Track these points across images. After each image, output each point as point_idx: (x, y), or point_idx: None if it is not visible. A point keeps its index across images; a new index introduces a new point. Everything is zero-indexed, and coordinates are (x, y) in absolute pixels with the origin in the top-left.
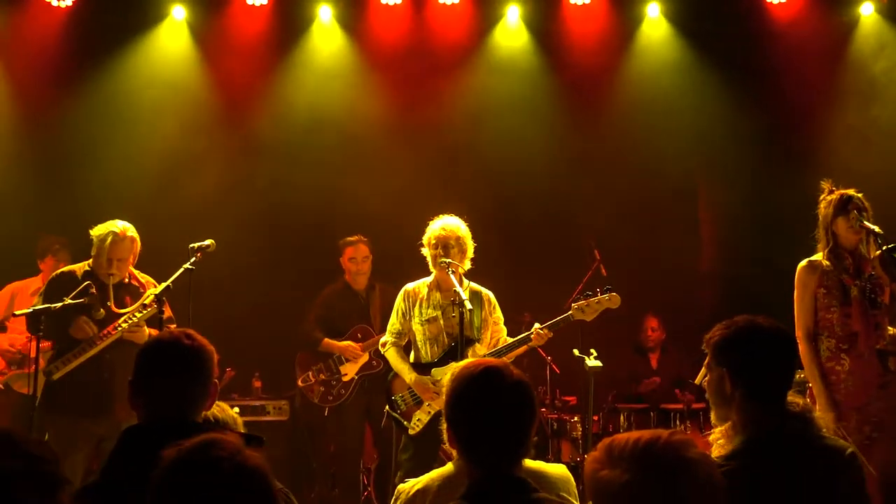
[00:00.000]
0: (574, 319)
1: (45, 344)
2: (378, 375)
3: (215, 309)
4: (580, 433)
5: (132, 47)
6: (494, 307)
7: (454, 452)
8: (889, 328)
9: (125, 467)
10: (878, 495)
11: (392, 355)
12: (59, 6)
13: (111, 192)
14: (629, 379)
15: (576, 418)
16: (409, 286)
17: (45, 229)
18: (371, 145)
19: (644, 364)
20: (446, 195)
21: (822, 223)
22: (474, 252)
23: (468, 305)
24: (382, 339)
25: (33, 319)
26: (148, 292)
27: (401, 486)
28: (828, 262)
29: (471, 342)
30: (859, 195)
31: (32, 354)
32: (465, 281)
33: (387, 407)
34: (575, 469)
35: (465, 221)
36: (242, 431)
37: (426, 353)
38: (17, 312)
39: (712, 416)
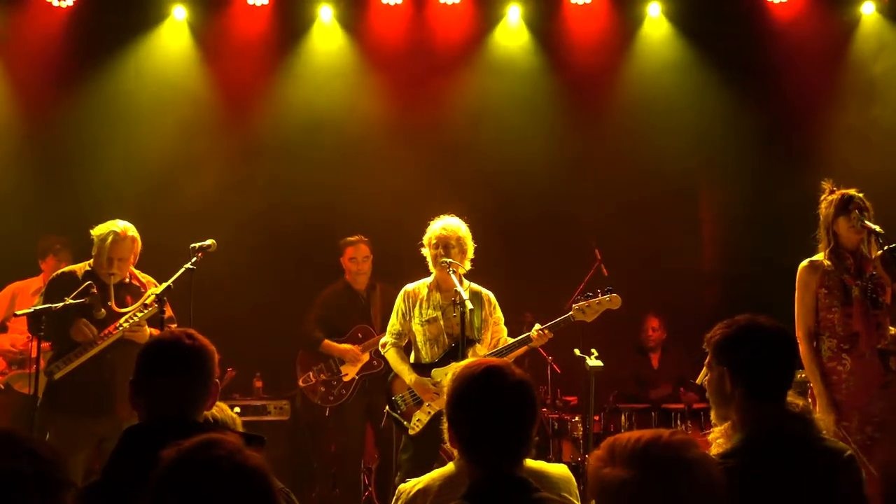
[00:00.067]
0: (575, 320)
1: (46, 344)
2: (379, 375)
3: (216, 309)
4: (581, 433)
5: (133, 47)
6: (495, 307)
7: (455, 452)
8: (890, 328)
9: (126, 467)
10: (880, 496)
11: (392, 356)
12: (59, 6)
13: (112, 191)
14: (631, 379)
15: (577, 418)
16: (409, 287)
17: (46, 229)
18: (371, 145)
19: (645, 364)
20: (447, 195)
21: (824, 223)
22: (475, 252)
23: (469, 305)
24: (382, 340)
25: (34, 319)
26: (149, 292)
27: (402, 486)
28: (829, 262)
29: (471, 342)
30: (860, 195)
31: (33, 354)
32: (466, 281)
33: (387, 407)
34: (576, 469)
35: (466, 221)
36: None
37: (426, 353)
38: (18, 312)
39: (712, 415)
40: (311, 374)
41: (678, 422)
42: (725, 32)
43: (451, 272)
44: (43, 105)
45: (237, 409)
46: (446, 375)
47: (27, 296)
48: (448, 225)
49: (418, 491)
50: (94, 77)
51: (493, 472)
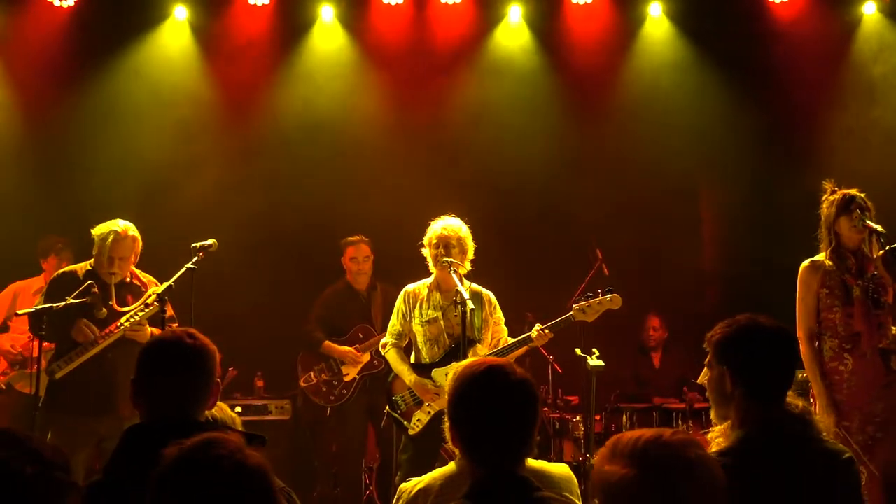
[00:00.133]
0: (575, 320)
1: (48, 344)
2: (379, 375)
3: (217, 308)
4: (582, 433)
5: (134, 47)
6: (495, 308)
7: (457, 452)
8: (892, 328)
9: (128, 466)
10: (882, 496)
11: (392, 356)
12: (60, 6)
13: (113, 191)
14: (632, 378)
15: (578, 418)
16: (409, 287)
17: (47, 229)
18: (372, 145)
19: (647, 364)
20: (447, 195)
21: (825, 223)
22: (475, 253)
23: (470, 305)
24: (383, 341)
25: (35, 319)
26: (150, 291)
27: (403, 486)
28: (830, 262)
29: (472, 343)
30: (862, 195)
31: (34, 354)
32: (466, 282)
33: (387, 407)
34: (577, 468)
35: (467, 221)
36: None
37: (426, 354)
38: (19, 312)
39: (712, 414)
40: (312, 373)
41: (679, 421)
42: (726, 32)
43: (452, 272)
44: (44, 105)
45: (238, 409)
46: (447, 376)
47: (28, 295)
48: (448, 225)
49: (419, 490)
50: (95, 77)
51: (495, 471)
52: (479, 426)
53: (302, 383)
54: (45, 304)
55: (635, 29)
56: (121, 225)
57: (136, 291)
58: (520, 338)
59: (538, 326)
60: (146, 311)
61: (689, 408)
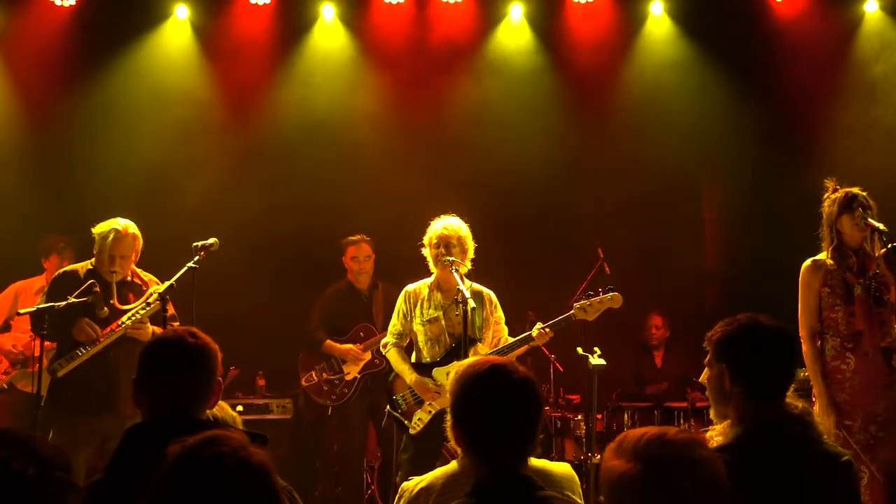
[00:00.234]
0: (576, 319)
1: (50, 344)
2: (381, 374)
3: (219, 307)
4: (584, 432)
5: (135, 46)
6: (496, 307)
7: (459, 451)
8: (895, 326)
9: (129, 465)
10: (883, 495)
11: (393, 356)
12: (62, 5)
13: (114, 191)
14: (633, 377)
15: (579, 417)
16: (410, 287)
17: (48, 229)
18: (373, 144)
19: (649, 362)
20: (449, 194)
21: (827, 221)
22: (476, 252)
23: (472, 304)
24: (384, 340)
25: (37, 318)
26: (151, 289)
27: (405, 484)
28: (832, 261)
29: (472, 342)
30: (864, 193)
31: (36, 353)
32: (467, 281)
33: (388, 406)
34: (579, 467)
35: (468, 221)
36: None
37: (427, 353)
38: (21, 311)
39: (711, 413)
40: (313, 373)
41: (681, 420)
42: (728, 31)
43: (453, 271)
44: (45, 104)
45: (240, 408)
46: (447, 375)
47: (30, 295)
48: (449, 224)
49: (421, 489)
50: (96, 76)
51: (498, 469)
52: (482, 425)
53: (303, 382)
54: (46, 303)
55: (636, 28)
56: (121, 223)
57: (138, 290)
58: (521, 336)
59: (539, 325)
60: (147, 309)
61: (691, 407)
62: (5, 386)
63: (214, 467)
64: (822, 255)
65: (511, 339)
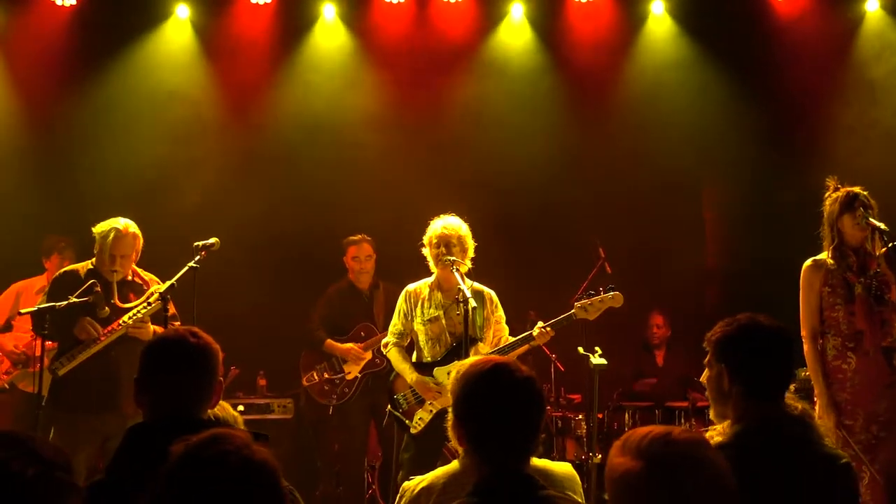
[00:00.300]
0: (577, 318)
1: (51, 343)
2: (381, 374)
3: (220, 307)
4: (585, 431)
5: (136, 46)
6: (496, 306)
7: (460, 450)
8: None
9: (130, 465)
10: (884, 497)
11: (394, 355)
12: (62, 5)
13: (115, 190)
14: (635, 377)
15: (580, 416)
16: (411, 287)
17: (49, 229)
18: (374, 143)
19: (650, 361)
20: (450, 194)
21: (828, 220)
22: (477, 251)
23: (472, 303)
24: (384, 340)
25: (38, 318)
26: (151, 289)
27: (406, 484)
28: (832, 261)
29: (473, 341)
30: (865, 192)
31: (37, 353)
32: (468, 280)
33: (389, 406)
34: (580, 467)
35: (469, 220)
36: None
37: (428, 352)
38: (22, 311)
39: (711, 412)
40: (314, 373)
41: (682, 419)
42: (728, 30)
43: (454, 270)
44: (45, 104)
45: (241, 408)
46: (448, 374)
47: (31, 295)
48: (448, 224)
49: (422, 489)
50: (97, 76)
51: (500, 468)
52: (485, 424)
53: (304, 382)
54: (47, 303)
55: (637, 27)
56: (122, 223)
57: (138, 290)
58: (522, 336)
59: (540, 324)
60: (148, 308)
61: (692, 406)
62: (7, 386)
63: (218, 466)
64: (822, 255)
65: (512, 339)
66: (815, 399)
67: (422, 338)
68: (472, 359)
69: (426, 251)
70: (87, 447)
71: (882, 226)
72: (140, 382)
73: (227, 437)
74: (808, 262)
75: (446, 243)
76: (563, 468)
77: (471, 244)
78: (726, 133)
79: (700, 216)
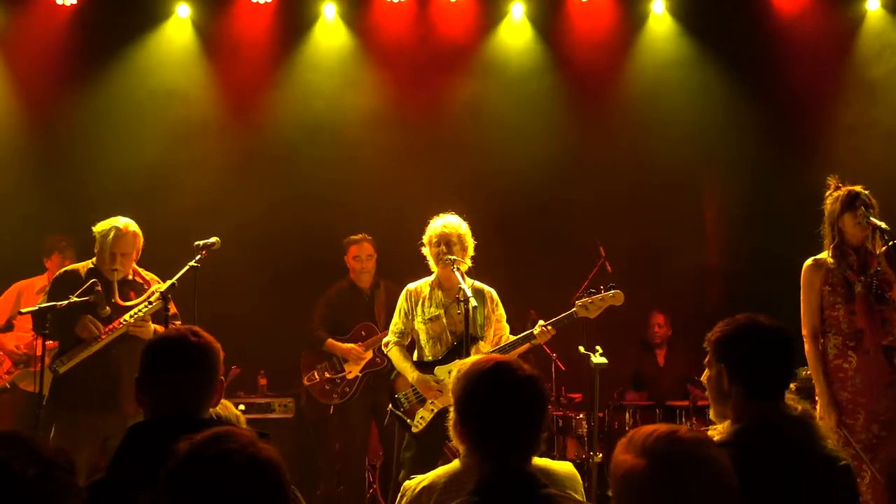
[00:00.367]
0: (578, 316)
1: (52, 343)
2: (382, 373)
3: (220, 306)
4: (585, 430)
5: (136, 45)
6: (497, 304)
7: (461, 450)
8: None
9: (131, 464)
10: (885, 496)
11: (395, 354)
12: (63, 4)
13: (116, 190)
14: (636, 376)
15: (581, 415)
16: (411, 286)
17: (50, 228)
18: (375, 142)
19: (651, 361)
20: (451, 192)
21: (829, 219)
22: (477, 249)
23: (473, 302)
24: (385, 339)
25: (39, 318)
26: (152, 288)
27: (407, 483)
28: (832, 260)
29: (474, 340)
30: (866, 192)
31: (38, 353)
32: (468, 279)
33: (390, 405)
34: (581, 466)
35: (470, 218)
36: None
37: (429, 351)
38: (23, 310)
39: (711, 412)
40: (315, 372)
41: (683, 419)
42: (729, 29)
43: (455, 269)
44: (46, 104)
45: (242, 407)
46: (450, 373)
47: (32, 294)
48: (448, 223)
49: (423, 488)
50: (97, 75)
51: (502, 467)
52: (487, 422)
53: (305, 381)
54: (48, 302)
55: (638, 26)
56: (122, 221)
57: (139, 289)
58: (522, 334)
59: (541, 323)
60: (150, 307)
61: (692, 405)
62: (8, 385)
63: (223, 464)
64: (823, 255)
65: (513, 338)
66: (817, 398)
67: (423, 337)
68: (473, 357)
69: (426, 250)
70: (87, 446)
71: (883, 225)
72: (141, 382)
73: (231, 435)
74: (809, 261)
75: (446, 242)
76: (564, 467)
77: (471, 242)
78: (727, 132)
79: (701, 215)
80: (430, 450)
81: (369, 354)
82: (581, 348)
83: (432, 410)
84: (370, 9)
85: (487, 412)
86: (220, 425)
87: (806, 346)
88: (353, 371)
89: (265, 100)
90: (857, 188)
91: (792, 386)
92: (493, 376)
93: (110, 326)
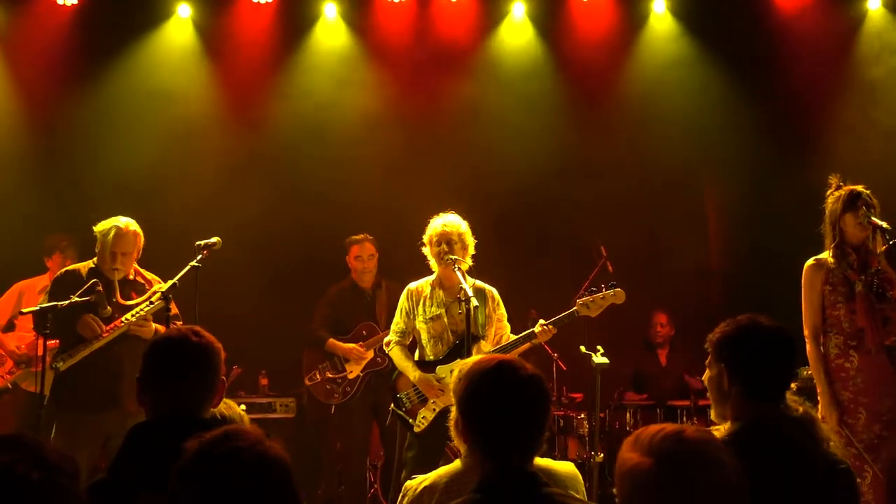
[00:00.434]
0: (579, 315)
1: (53, 343)
2: (384, 373)
3: (222, 306)
4: (587, 430)
5: (137, 45)
6: (498, 304)
7: (462, 450)
8: None
9: (132, 465)
10: (887, 494)
11: (396, 354)
12: (64, 4)
13: (116, 190)
14: (637, 376)
15: (582, 415)
16: (412, 285)
17: (50, 228)
18: (375, 142)
19: (653, 360)
20: (452, 192)
21: (830, 218)
22: (478, 249)
23: (474, 302)
24: (386, 339)
25: (40, 317)
26: (154, 287)
27: (408, 483)
28: (833, 259)
29: (475, 339)
30: (867, 191)
31: (40, 353)
32: (469, 278)
33: (392, 405)
34: (582, 466)
35: (471, 217)
36: None
37: (430, 351)
38: (24, 310)
39: (712, 413)
40: (316, 372)
41: (684, 419)
42: (730, 28)
43: (456, 269)
44: (47, 104)
45: (243, 407)
46: (451, 373)
47: (34, 294)
48: (449, 222)
49: (425, 488)
50: (98, 75)
51: (504, 466)
52: (489, 421)
53: (306, 381)
54: (49, 302)
55: (639, 25)
56: (122, 221)
57: (140, 289)
58: (523, 333)
59: (542, 322)
60: (151, 307)
61: (693, 405)
62: (10, 386)
63: (232, 462)
64: (823, 254)
65: (514, 337)
66: (818, 398)
67: (424, 336)
68: (475, 357)
69: (426, 250)
70: (88, 446)
71: (884, 224)
72: (142, 382)
73: (239, 433)
74: (810, 261)
75: (447, 241)
76: (565, 467)
77: (471, 241)
78: (727, 131)
79: (702, 214)
80: (431, 449)
81: (370, 354)
82: (582, 348)
83: (434, 410)
84: (371, 9)
85: (490, 412)
86: (224, 425)
87: (807, 347)
88: (354, 371)
89: (265, 100)
90: (859, 188)
91: (793, 386)
92: (495, 376)
93: (112, 325)
